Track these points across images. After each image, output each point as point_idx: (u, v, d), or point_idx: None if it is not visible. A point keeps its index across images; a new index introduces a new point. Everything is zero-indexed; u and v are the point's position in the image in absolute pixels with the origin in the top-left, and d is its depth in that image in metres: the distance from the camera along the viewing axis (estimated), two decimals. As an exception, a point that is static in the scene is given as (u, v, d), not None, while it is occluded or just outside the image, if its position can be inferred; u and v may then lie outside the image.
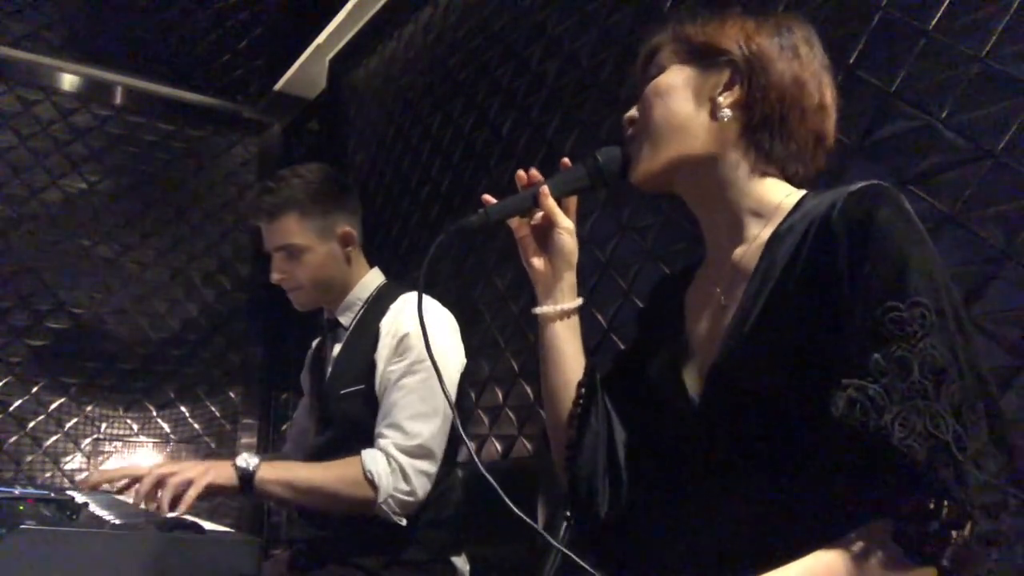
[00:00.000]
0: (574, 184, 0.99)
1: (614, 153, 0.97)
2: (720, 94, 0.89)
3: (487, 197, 0.98)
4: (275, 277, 1.67)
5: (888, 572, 0.66)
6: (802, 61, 0.88)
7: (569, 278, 1.00)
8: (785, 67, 0.87)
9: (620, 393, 1.00)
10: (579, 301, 1.01)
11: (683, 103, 0.90)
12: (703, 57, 0.91)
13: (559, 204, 0.98)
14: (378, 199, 3.14)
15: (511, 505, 0.77)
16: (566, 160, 1.00)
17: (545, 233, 0.99)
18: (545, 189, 0.96)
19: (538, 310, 1.00)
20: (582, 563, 0.73)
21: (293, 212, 1.63)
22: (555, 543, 0.77)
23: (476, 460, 0.87)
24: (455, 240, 0.95)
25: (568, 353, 0.99)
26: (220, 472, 1.40)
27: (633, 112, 0.96)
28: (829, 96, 0.90)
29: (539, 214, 0.98)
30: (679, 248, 1.74)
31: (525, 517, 0.77)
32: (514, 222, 1.00)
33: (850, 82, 1.41)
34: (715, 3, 1.72)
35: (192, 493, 1.33)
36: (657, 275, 1.55)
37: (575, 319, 1.00)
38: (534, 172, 0.99)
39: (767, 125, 0.87)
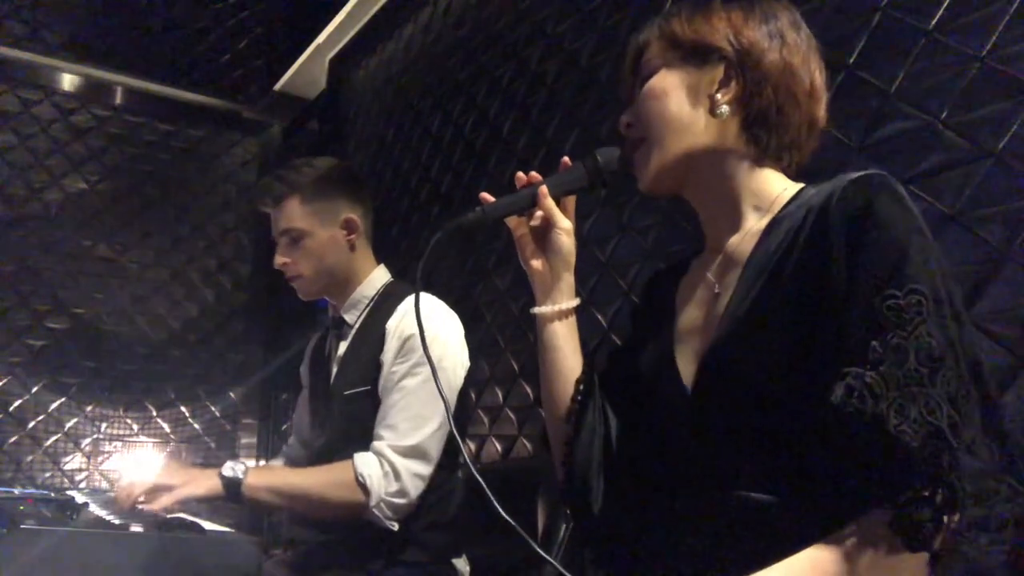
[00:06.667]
0: (573, 184, 0.99)
1: (614, 154, 0.97)
2: (717, 91, 0.89)
3: (485, 195, 0.98)
4: (278, 261, 1.67)
5: (882, 558, 0.67)
6: (791, 47, 0.89)
7: (567, 278, 1.00)
8: (776, 56, 0.88)
9: (616, 388, 1.00)
10: (577, 301, 1.00)
11: (681, 104, 0.90)
12: (695, 55, 0.90)
13: (557, 204, 0.98)
14: (378, 199, 3.14)
15: (500, 511, 0.76)
16: (566, 159, 1.00)
17: (543, 233, 0.99)
18: (544, 188, 0.96)
19: (536, 310, 1.00)
20: (566, 573, 0.73)
21: (295, 196, 1.64)
22: (544, 555, 0.77)
23: (471, 465, 0.86)
24: (453, 238, 0.95)
25: (566, 352, 0.99)
26: (203, 483, 1.40)
27: (629, 116, 0.95)
28: (819, 78, 0.90)
29: (538, 214, 0.98)
30: (679, 248, 1.74)
31: (513, 523, 0.76)
32: (512, 221, 1.00)
33: (850, 82, 1.41)
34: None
35: (165, 501, 1.36)
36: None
37: (573, 319, 1.01)
38: (533, 173, 0.99)
39: (765, 117, 0.88)
